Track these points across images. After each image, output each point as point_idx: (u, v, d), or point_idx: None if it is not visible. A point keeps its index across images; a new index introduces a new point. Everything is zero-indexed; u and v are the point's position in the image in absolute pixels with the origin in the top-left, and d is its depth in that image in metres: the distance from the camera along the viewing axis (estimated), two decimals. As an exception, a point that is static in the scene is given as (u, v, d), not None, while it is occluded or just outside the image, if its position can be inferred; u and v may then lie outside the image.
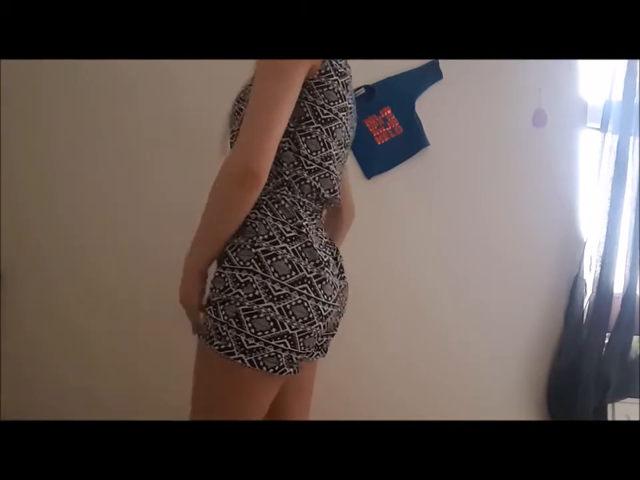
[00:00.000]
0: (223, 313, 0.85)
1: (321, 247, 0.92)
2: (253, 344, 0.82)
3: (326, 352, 1.05)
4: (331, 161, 0.96)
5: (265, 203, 0.93)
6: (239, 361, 0.82)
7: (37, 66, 1.53)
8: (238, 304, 0.84)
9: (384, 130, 1.67)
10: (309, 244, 0.89)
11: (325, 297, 0.88)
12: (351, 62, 1.31)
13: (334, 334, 1.05)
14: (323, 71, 0.93)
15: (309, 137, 0.93)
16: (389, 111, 1.67)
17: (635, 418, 1.72)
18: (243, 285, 0.84)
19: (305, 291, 0.85)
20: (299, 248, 0.88)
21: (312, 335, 0.87)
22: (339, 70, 0.96)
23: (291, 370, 0.87)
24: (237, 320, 0.83)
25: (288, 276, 0.85)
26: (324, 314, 0.88)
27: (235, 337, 0.83)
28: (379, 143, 1.67)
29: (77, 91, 1.56)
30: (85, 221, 1.56)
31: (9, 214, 1.54)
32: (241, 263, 0.86)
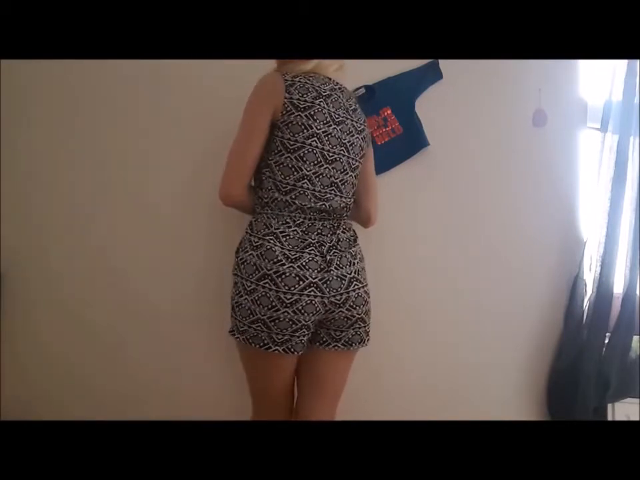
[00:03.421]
0: (231, 307, 1.17)
1: (292, 247, 1.14)
2: (242, 327, 1.13)
3: (348, 345, 1.21)
4: (305, 180, 1.16)
5: (250, 223, 1.20)
6: (238, 339, 1.14)
7: (36, 66, 1.53)
8: (233, 299, 1.17)
9: (384, 130, 1.67)
10: (268, 248, 1.13)
11: (286, 287, 1.10)
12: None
13: (357, 328, 1.21)
14: (284, 112, 1.13)
15: (281, 165, 1.16)
16: (389, 111, 1.67)
17: (635, 418, 1.72)
18: (234, 284, 1.18)
19: (267, 285, 1.10)
20: (262, 253, 1.13)
21: (281, 319, 1.10)
22: (301, 105, 1.14)
23: (277, 347, 1.10)
24: (232, 310, 1.17)
25: (253, 275, 1.12)
26: (287, 301, 1.10)
27: (234, 322, 1.16)
28: (379, 143, 1.66)
29: (77, 91, 1.56)
30: (85, 220, 1.56)
31: (9, 214, 1.54)
32: (234, 270, 1.19)
